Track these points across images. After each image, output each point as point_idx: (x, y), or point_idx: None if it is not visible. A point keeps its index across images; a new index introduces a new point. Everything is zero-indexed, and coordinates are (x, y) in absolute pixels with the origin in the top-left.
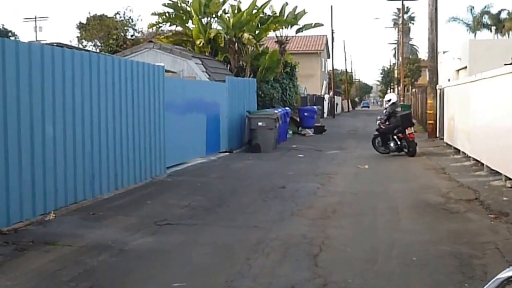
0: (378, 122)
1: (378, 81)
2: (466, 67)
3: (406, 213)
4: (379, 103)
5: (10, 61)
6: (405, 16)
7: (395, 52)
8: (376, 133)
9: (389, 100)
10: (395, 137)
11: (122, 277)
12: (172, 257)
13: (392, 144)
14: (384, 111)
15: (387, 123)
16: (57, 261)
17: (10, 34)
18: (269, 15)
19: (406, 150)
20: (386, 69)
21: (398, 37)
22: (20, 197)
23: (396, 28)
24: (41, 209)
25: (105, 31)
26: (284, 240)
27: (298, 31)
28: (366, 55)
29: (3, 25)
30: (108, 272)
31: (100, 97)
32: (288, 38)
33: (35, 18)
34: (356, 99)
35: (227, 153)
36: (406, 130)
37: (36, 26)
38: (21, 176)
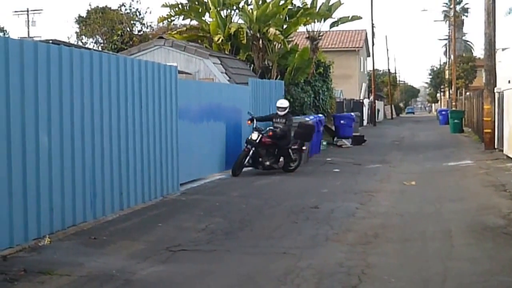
0: (259, 133)
1: (426, 83)
2: None
3: (460, 238)
4: (427, 108)
5: None
6: (458, 7)
7: (446, 50)
8: (250, 147)
9: (286, 108)
10: (290, 150)
11: None
12: None
13: (282, 159)
14: (284, 120)
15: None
16: None
17: None
18: (298, 6)
19: (293, 165)
20: (435, 69)
21: (449, 32)
22: (10, 218)
23: (447, 22)
24: (34, 233)
25: (109, 26)
26: (318, 269)
27: (332, 25)
28: (412, 53)
29: None
30: None
31: (102, 102)
32: (321, 34)
33: (27, 11)
34: (401, 104)
35: (251, 168)
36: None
37: (28, 20)
38: (10, 194)
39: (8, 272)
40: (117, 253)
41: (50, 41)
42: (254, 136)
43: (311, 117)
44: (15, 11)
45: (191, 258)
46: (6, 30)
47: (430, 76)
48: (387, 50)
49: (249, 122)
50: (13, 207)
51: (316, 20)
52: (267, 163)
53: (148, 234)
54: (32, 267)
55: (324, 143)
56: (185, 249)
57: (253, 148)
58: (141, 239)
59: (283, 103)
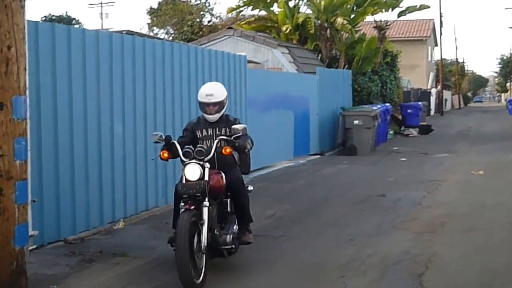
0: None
1: (496, 72)
2: None
3: None
4: (496, 98)
5: (76, 52)
6: None
7: None
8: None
9: (223, 103)
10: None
11: None
12: (255, 274)
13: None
14: (222, 129)
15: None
16: (127, 275)
17: (74, 22)
18: None
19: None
20: (505, 58)
21: None
22: (87, 203)
23: None
24: (109, 217)
25: (179, 17)
26: (384, 256)
27: (400, 14)
28: (481, 42)
29: (66, 12)
30: None
31: (174, 91)
32: (388, 23)
33: (101, 4)
34: (469, 94)
35: (318, 156)
36: None
37: (102, 13)
38: (87, 180)
39: (85, 253)
40: None
41: (124, 32)
42: (194, 172)
43: (378, 105)
44: (90, 4)
45: (259, 243)
46: (81, 23)
47: (500, 65)
48: (455, 39)
49: (165, 154)
50: (89, 192)
51: (383, 10)
52: (229, 239)
53: None
54: (107, 249)
55: (391, 132)
56: (253, 235)
57: (205, 203)
58: None
59: (213, 90)
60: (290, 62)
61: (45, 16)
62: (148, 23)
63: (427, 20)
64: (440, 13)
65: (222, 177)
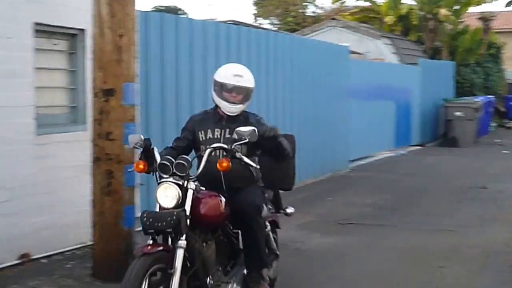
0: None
1: None
2: None
3: None
4: None
5: (183, 41)
6: None
7: None
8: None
9: (248, 92)
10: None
11: (298, 279)
12: (353, 261)
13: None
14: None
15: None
16: None
17: (179, 11)
18: None
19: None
20: None
21: None
22: None
23: None
24: None
25: (283, 8)
26: (484, 248)
27: (508, 4)
28: None
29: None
30: (283, 273)
31: (276, 80)
32: (493, 14)
33: None
34: None
35: (419, 147)
36: None
37: (207, 3)
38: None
39: None
40: (289, 224)
41: (229, 22)
42: (169, 196)
43: (481, 97)
44: None
45: (358, 231)
46: (186, 12)
47: None
48: None
49: (140, 165)
50: None
51: (488, 0)
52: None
53: (318, 207)
54: None
55: (493, 124)
56: (353, 223)
57: (180, 244)
58: (312, 212)
59: (243, 71)
60: (392, 53)
61: (154, 7)
62: (253, 14)
63: None
64: None
65: (220, 201)
